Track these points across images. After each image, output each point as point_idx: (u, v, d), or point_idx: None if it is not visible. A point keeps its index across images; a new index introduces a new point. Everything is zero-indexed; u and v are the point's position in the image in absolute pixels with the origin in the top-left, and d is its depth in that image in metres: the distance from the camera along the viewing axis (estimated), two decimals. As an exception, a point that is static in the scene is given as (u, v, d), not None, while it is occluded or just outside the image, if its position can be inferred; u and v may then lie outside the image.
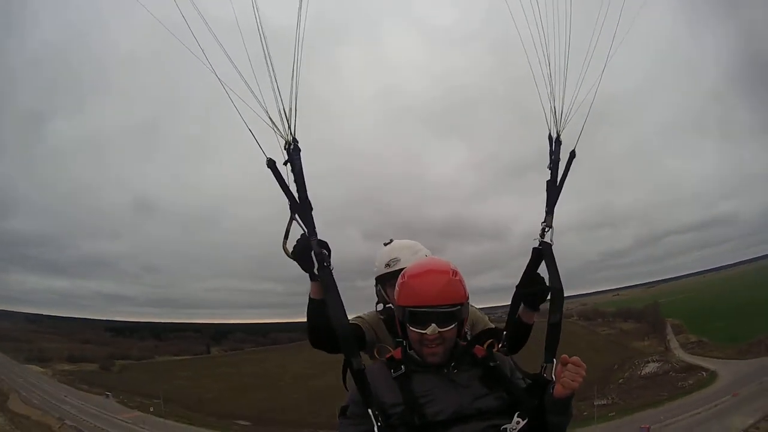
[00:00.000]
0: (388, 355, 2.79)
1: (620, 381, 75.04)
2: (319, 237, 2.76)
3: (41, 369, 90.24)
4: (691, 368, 76.64)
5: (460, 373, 2.68)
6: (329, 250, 2.78)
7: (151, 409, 79.13)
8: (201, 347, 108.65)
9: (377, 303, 3.44)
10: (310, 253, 2.74)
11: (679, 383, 71.34)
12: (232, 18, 2.67)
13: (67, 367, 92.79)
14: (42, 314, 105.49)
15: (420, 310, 2.61)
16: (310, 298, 2.92)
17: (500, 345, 3.04)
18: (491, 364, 2.74)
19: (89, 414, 74.17)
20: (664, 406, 61.91)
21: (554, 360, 2.74)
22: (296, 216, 2.74)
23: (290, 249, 2.76)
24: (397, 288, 2.72)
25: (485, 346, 2.84)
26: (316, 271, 2.76)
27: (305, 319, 3.04)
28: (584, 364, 2.57)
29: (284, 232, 2.74)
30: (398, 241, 3.52)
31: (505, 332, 3.15)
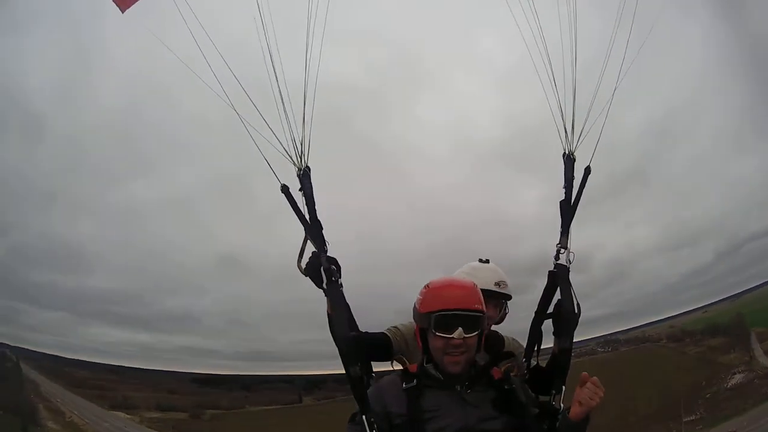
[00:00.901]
0: (403, 368, 2.98)
1: (707, 396, 71.92)
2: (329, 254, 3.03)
3: (128, 415, 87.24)
4: (775, 373, 74.60)
5: (473, 393, 2.80)
6: (338, 266, 3.03)
7: None
8: (293, 396, 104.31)
9: None
10: (320, 269, 2.96)
11: (763, 390, 69.09)
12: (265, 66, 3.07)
13: (155, 414, 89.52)
14: (123, 366, 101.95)
15: (447, 313, 2.74)
16: (327, 314, 3.06)
17: (520, 373, 3.21)
18: (506, 387, 2.84)
19: None
20: (749, 413, 61.08)
21: (563, 387, 2.92)
22: (308, 236, 3.03)
23: (304, 267, 3.03)
24: (420, 298, 2.87)
25: (503, 369, 2.94)
26: (325, 286, 2.98)
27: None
28: (602, 387, 2.77)
29: (299, 252, 3.01)
30: (485, 264, 3.76)
31: (525, 360, 3.33)
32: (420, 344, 2.85)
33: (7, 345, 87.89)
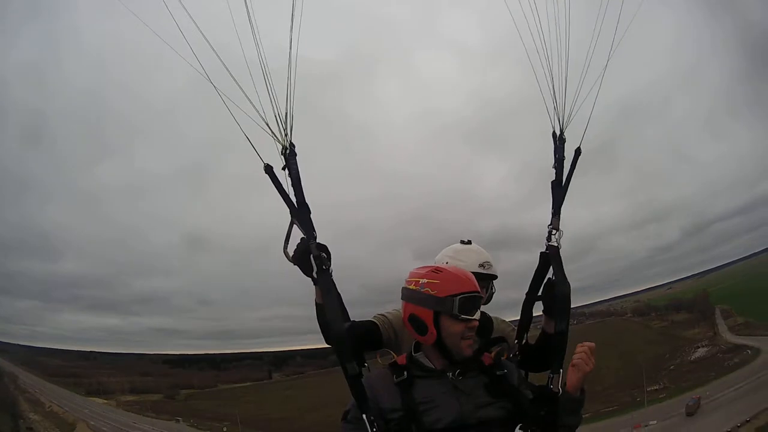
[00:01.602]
0: (391, 361, 2.83)
1: (671, 368, 78.34)
2: (318, 241, 2.77)
3: (104, 400, 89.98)
4: (737, 348, 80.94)
5: (465, 380, 2.69)
6: (329, 254, 2.81)
7: (225, 430, 79.25)
8: (262, 374, 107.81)
9: None
10: (309, 256, 2.76)
11: (726, 363, 74.93)
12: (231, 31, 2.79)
13: (131, 398, 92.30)
14: (95, 351, 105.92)
15: (471, 295, 2.67)
16: (316, 303, 2.98)
17: (511, 354, 3.07)
18: (498, 372, 2.75)
19: None
20: (711, 384, 65.60)
21: (561, 371, 2.79)
22: (296, 220, 2.78)
23: (291, 254, 2.79)
24: (436, 281, 2.70)
25: (493, 354, 2.84)
26: (315, 274, 2.78)
27: None
28: (592, 353, 2.72)
29: (284, 237, 2.79)
30: (474, 245, 3.57)
31: (516, 341, 3.19)
32: (433, 329, 2.66)
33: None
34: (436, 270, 2.74)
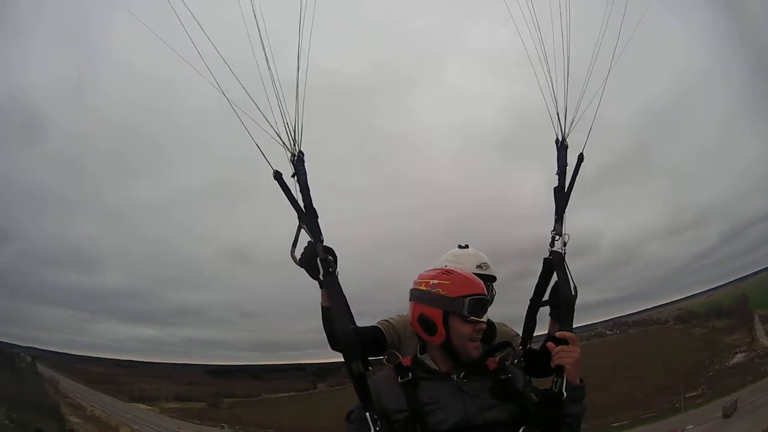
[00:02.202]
0: (396, 362, 2.85)
1: (710, 374, 77.54)
2: (325, 244, 2.90)
3: (148, 407, 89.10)
4: (774, 352, 79.49)
5: (470, 383, 2.72)
6: (335, 257, 2.90)
7: None
8: (306, 384, 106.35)
9: None
10: (316, 259, 2.84)
11: (762, 367, 74.19)
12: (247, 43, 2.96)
13: (174, 405, 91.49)
14: (134, 360, 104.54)
15: (481, 297, 2.75)
16: (321, 306, 3.01)
17: (515, 360, 3.06)
18: (502, 377, 2.79)
19: None
20: (747, 388, 65.71)
21: (564, 375, 2.79)
22: (303, 225, 2.90)
23: (298, 257, 2.88)
24: (447, 282, 2.77)
25: (498, 358, 2.86)
26: (321, 277, 2.87)
27: None
28: (576, 343, 2.87)
29: (293, 241, 2.89)
30: (472, 248, 3.72)
31: (521, 347, 3.26)
32: (442, 329, 2.73)
33: (19, 345, 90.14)
34: (447, 272, 2.84)
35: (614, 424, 65.93)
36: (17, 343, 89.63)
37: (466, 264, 3.47)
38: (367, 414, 2.63)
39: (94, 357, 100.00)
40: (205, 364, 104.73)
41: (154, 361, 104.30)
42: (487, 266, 3.61)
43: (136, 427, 78.30)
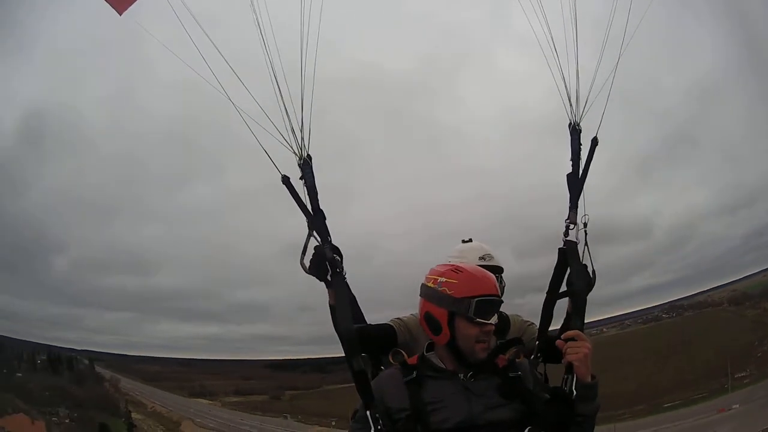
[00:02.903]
0: (401, 360, 2.84)
1: (759, 355, 75.02)
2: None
3: (209, 401, 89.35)
4: (826, 331, 78.66)
5: (477, 382, 2.70)
6: (341, 256, 2.95)
7: (333, 423, 78.57)
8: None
9: None
10: (325, 261, 2.89)
11: None
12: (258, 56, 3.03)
13: (235, 399, 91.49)
14: (194, 358, 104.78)
15: (489, 298, 2.69)
16: (330, 305, 3.00)
17: (532, 356, 3.08)
18: (511, 374, 2.75)
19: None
20: None
21: (574, 372, 2.73)
22: (312, 227, 2.96)
23: (307, 264, 2.90)
24: (452, 282, 2.72)
25: (508, 355, 2.83)
26: (329, 277, 2.90)
27: None
28: (586, 339, 2.78)
29: (302, 248, 2.93)
30: (474, 243, 3.75)
31: (537, 342, 3.17)
32: (447, 329, 2.67)
33: (74, 349, 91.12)
34: (456, 269, 2.77)
35: (666, 405, 66.70)
36: (73, 347, 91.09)
37: (469, 257, 3.51)
38: (368, 413, 2.63)
39: (151, 357, 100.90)
40: (265, 359, 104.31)
41: (215, 358, 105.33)
42: (491, 257, 3.62)
43: (198, 420, 78.68)
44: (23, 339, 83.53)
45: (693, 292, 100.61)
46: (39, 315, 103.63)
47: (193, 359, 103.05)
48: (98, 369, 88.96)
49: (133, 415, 76.75)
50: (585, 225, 3.14)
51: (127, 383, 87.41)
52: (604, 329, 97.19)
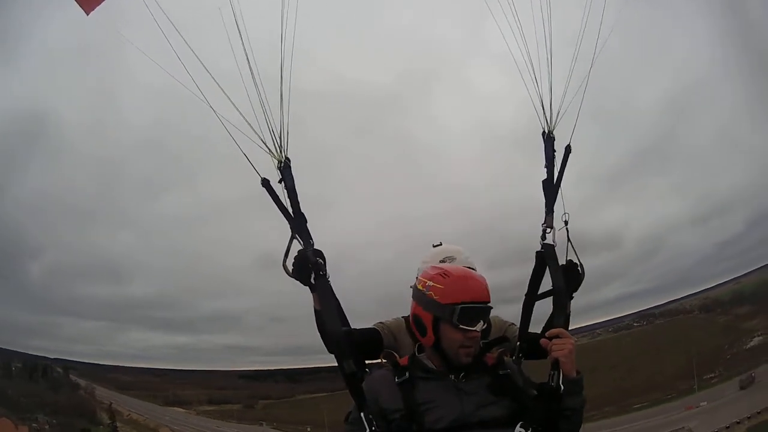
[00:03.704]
0: (393, 362, 2.85)
1: (727, 357, 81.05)
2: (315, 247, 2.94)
3: (184, 410, 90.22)
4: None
5: (468, 381, 2.74)
6: (324, 259, 2.95)
7: (309, 430, 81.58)
8: (340, 385, 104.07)
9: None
10: (308, 264, 2.88)
11: None
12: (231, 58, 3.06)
13: (209, 408, 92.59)
14: (166, 368, 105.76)
15: (475, 305, 2.68)
16: (315, 310, 3.04)
17: (514, 355, 3.14)
18: (500, 372, 2.80)
19: None
20: (760, 368, 68.29)
21: (560, 368, 2.79)
22: (294, 230, 2.94)
23: (290, 267, 2.90)
24: (438, 286, 2.73)
25: (496, 354, 2.89)
26: (313, 281, 2.90)
27: None
28: (569, 336, 2.81)
29: (284, 251, 2.91)
30: (445, 246, 3.73)
31: (519, 343, 3.21)
32: (432, 332, 2.70)
33: (47, 358, 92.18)
34: (444, 274, 2.76)
35: (635, 406, 70.28)
36: (46, 356, 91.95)
37: (432, 261, 3.44)
38: (361, 414, 2.65)
39: (125, 366, 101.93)
40: (237, 370, 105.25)
41: (187, 368, 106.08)
42: (452, 258, 3.53)
43: (176, 427, 79.48)
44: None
45: (664, 301, 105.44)
46: (14, 322, 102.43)
47: (165, 369, 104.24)
48: (72, 377, 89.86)
49: (110, 422, 77.29)
50: (566, 223, 3.20)
51: (102, 391, 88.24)
52: (575, 339, 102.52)
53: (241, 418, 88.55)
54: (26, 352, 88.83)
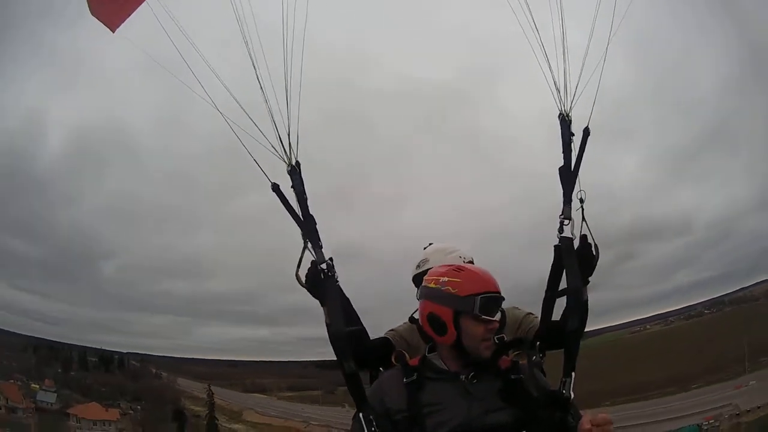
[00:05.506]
0: (403, 362, 2.85)
1: None
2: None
3: (265, 396, 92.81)
4: None
5: (479, 384, 2.72)
6: (331, 259, 3.01)
7: None
8: None
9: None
10: (320, 276, 2.93)
11: None
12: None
13: (290, 394, 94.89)
14: (243, 360, 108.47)
15: (493, 295, 2.72)
16: (326, 324, 2.98)
17: (535, 357, 2.97)
18: (513, 376, 2.77)
19: (332, 419, 76.89)
20: None
21: (573, 374, 2.78)
22: (305, 233, 2.98)
23: (303, 277, 2.95)
24: (457, 280, 2.74)
25: (511, 357, 2.87)
26: (323, 277, 2.94)
27: None
28: (611, 422, 2.60)
29: (297, 261, 2.96)
30: (435, 244, 3.77)
31: (539, 343, 3.03)
32: (452, 327, 2.71)
33: (120, 352, 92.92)
34: (458, 269, 2.80)
35: (693, 386, 72.93)
36: (119, 350, 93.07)
37: (435, 258, 3.53)
38: (360, 414, 2.68)
39: (200, 359, 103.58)
40: (315, 360, 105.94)
41: (263, 359, 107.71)
42: (455, 250, 3.59)
43: (259, 410, 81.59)
44: (73, 343, 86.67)
45: (734, 289, 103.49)
46: (89, 319, 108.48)
47: (242, 360, 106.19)
48: (151, 368, 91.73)
49: (193, 407, 79.69)
50: (581, 201, 3.09)
51: (182, 381, 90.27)
52: (648, 326, 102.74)
53: (324, 402, 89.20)
54: (101, 348, 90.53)
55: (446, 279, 2.75)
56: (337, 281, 2.99)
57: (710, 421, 59.98)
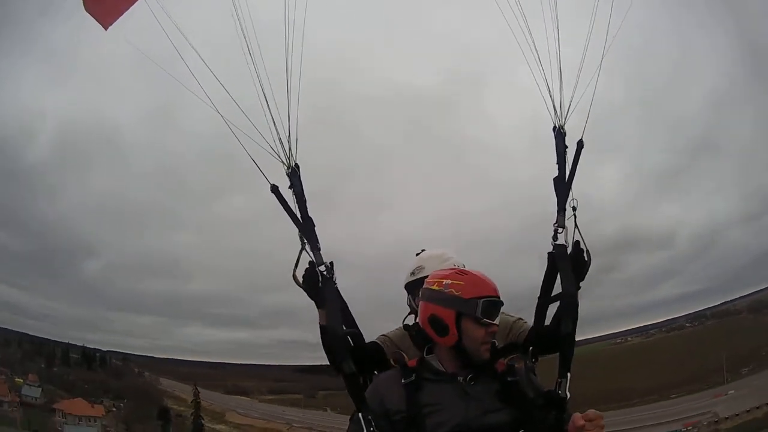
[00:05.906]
0: (402, 363, 2.90)
1: (764, 353, 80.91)
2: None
3: (247, 398, 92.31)
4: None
5: (476, 385, 2.77)
6: (331, 263, 3.08)
7: None
8: None
9: (408, 314, 3.67)
10: (317, 278, 3.02)
11: None
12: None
13: (271, 397, 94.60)
14: (223, 362, 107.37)
15: (494, 299, 2.80)
16: (320, 326, 3.11)
17: (528, 361, 3.06)
18: (509, 379, 2.81)
19: (314, 422, 78.19)
20: None
21: (568, 375, 2.88)
22: (302, 234, 3.07)
23: (300, 278, 3.04)
24: (461, 283, 2.81)
25: (507, 360, 2.93)
26: (320, 284, 3.02)
27: None
28: (601, 417, 2.66)
29: (294, 262, 3.03)
30: (428, 250, 3.75)
31: (531, 348, 3.16)
32: (455, 330, 2.73)
33: (99, 350, 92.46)
34: (461, 272, 2.89)
35: (673, 396, 75.21)
36: (99, 348, 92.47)
37: (431, 265, 3.49)
38: (360, 415, 2.72)
39: (181, 360, 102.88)
40: (294, 364, 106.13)
41: (244, 362, 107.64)
42: (450, 258, 3.55)
43: (241, 411, 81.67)
44: (56, 339, 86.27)
45: (716, 303, 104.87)
46: (70, 317, 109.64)
47: (222, 362, 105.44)
48: (133, 367, 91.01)
49: (175, 407, 79.59)
50: (574, 209, 3.14)
51: (163, 381, 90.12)
52: (629, 338, 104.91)
53: (304, 406, 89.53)
54: (83, 345, 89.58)
55: (449, 282, 2.80)
56: (335, 284, 3.05)
57: (690, 428, 62.77)
